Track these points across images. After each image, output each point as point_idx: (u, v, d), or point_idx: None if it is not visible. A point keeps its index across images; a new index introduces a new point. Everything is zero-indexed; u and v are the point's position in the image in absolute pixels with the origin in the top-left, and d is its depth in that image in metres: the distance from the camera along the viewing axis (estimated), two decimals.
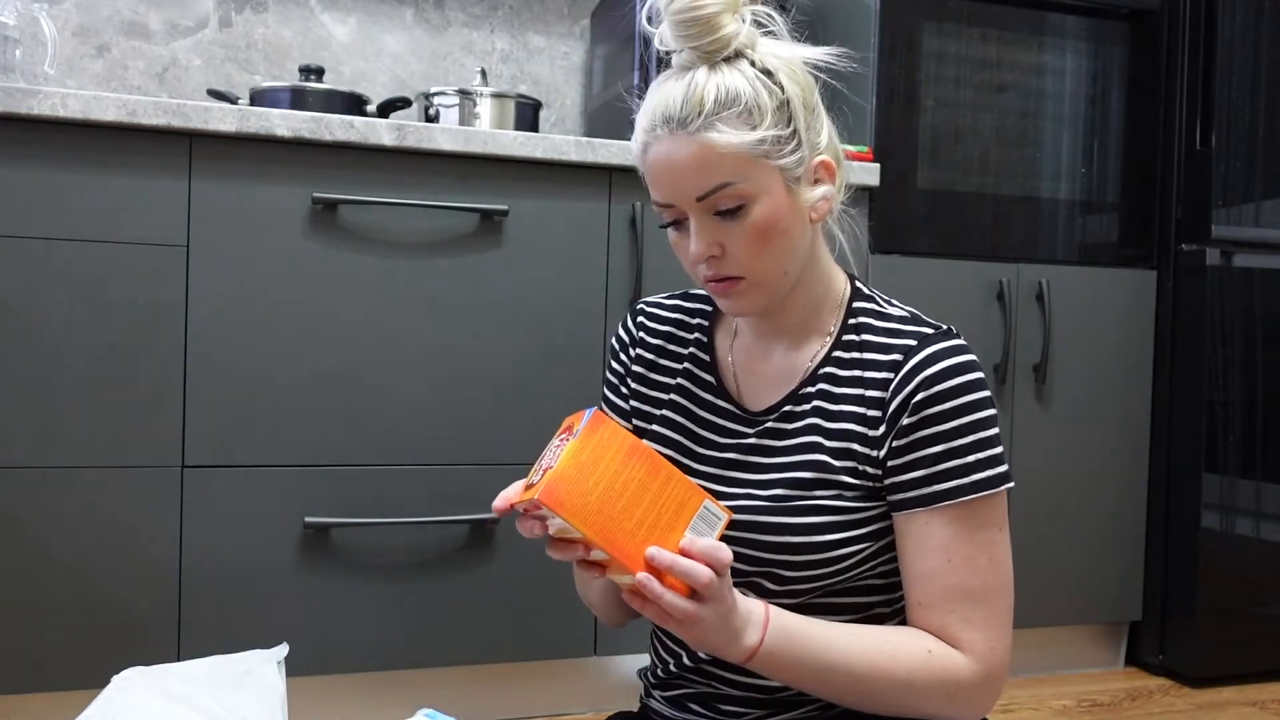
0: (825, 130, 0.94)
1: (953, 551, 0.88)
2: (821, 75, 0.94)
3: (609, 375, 1.10)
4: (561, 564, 0.84)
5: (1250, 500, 2.14)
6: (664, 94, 0.88)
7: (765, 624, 0.84)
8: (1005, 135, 2.09)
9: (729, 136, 0.86)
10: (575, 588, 1.12)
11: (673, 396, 1.02)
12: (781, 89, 0.89)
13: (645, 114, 0.90)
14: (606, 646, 1.80)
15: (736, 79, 0.87)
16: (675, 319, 1.06)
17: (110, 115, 1.52)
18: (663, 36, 0.90)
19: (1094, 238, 2.17)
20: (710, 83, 0.87)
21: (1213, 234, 2.12)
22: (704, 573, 0.77)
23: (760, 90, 0.87)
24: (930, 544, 0.89)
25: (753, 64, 0.89)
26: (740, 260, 0.89)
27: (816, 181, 0.93)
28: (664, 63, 0.93)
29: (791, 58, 0.91)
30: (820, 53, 0.93)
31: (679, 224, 0.91)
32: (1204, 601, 2.10)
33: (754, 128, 0.87)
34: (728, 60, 0.88)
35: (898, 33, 2.00)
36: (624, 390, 1.07)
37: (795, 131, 0.89)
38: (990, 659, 0.89)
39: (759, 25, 0.91)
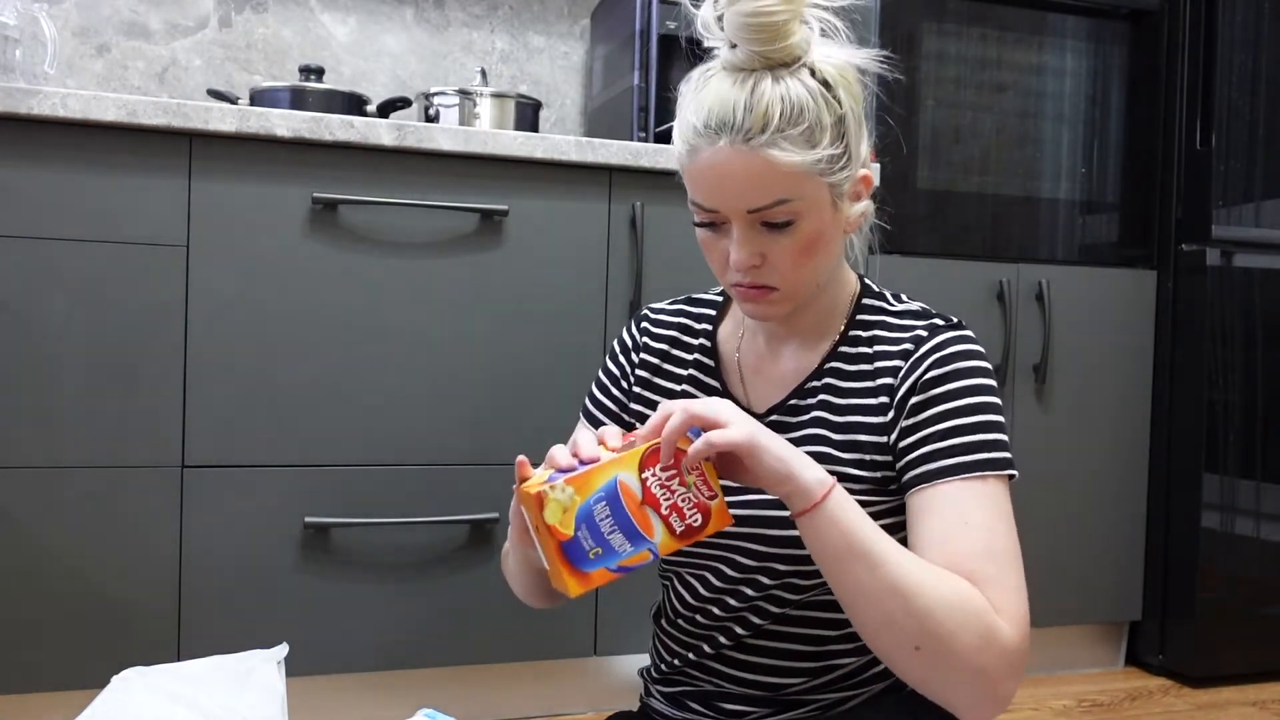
0: (865, 142, 0.92)
1: (970, 515, 0.86)
2: (867, 82, 0.92)
3: (602, 375, 1.09)
4: None
5: (1250, 500, 2.14)
6: (723, 98, 0.85)
7: (833, 487, 0.81)
8: (1005, 135, 2.09)
9: (792, 155, 0.84)
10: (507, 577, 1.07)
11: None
12: (839, 103, 0.87)
13: (697, 113, 0.86)
14: (606, 646, 1.80)
15: (801, 93, 0.84)
16: (679, 324, 1.06)
17: (110, 115, 1.52)
18: (706, 23, 0.87)
19: (1094, 238, 2.17)
20: (775, 94, 0.84)
21: (1213, 234, 2.12)
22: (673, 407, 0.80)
23: (822, 107, 0.85)
24: (945, 509, 0.86)
25: (813, 73, 0.86)
26: (780, 272, 0.89)
27: (857, 196, 0.92)
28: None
29: (845, 64, 0.89)
30: (868, 56, 0.91)
31: (715, 226, 0.90)
32: (1204, 601, 2.10)
33: (814, 146, 0.85)
34: (788, 67, 0.85)
35: (898, 33, 2.00)
36: (615, 391, 1.07)
37: (847, 148, 0.88)
38: (1022, 626, 0.83)
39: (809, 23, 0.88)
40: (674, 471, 0.79)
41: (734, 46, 0.86)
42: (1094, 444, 2.14)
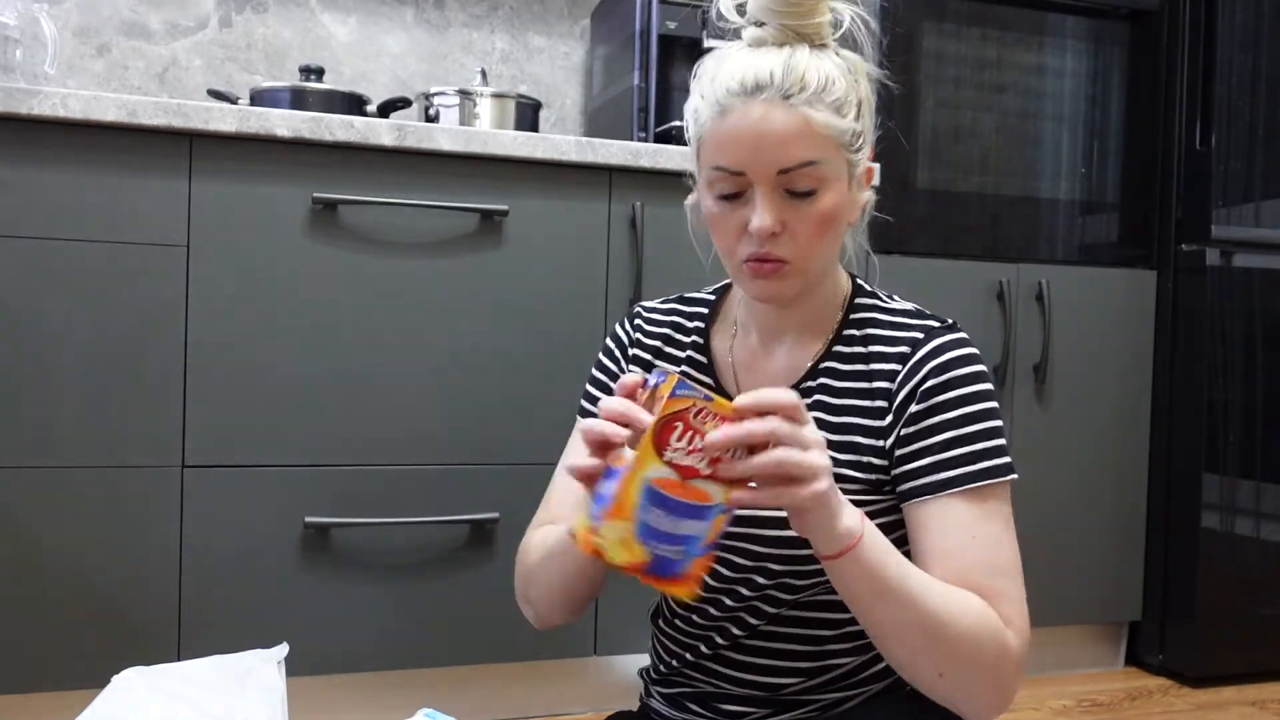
0: (872, 136, 0.95)
1: (976, 529, 0.88)
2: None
3: (598, 373, 1.09)
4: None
5: (1250, 500, 2.14)
6: (758, 63, 0.87)
7: (863, 518, 0.80)
8: (1005, 135, 2.09)
9: (828, 117, 0.86)
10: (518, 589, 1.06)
11: None
12: (861, 87, 0.91)
13: (731, 76, 0.87)
14: (606, 646, 1.80)
15: (831, 68, 0.88)
16: (672, 322, 1.06)
17: (110, 115, 1.52)
18: (727, 7, 0.91)
19: (1094, 238, 2.17)
20: (810, 63, 0.87)
21: (1213, 234, 2.12)
22: (788, 395, 0.74)
23: (849, 85, 0.89)
24: (951, 523, 0.88)
25: (838, 55, 0.90)
26: (796, 243, 0.89)
27: (861, 187, 0.94)
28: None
29: (860, 60, 0.92)
30: (873, 69, 0.95)
31: (734, 197, 0.90)
32: (1204, 601, 2.10)
33: (843, 117, 0.88)
34: (819, 47, 0.89)
35: (898, 33, 2.00)
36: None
37: (864, 132, 0.91)
38: (1027, 634, 0.87)
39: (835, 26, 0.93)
40: (691, 432, 0.73)
41: (761, 25, 0.89)
42: (1094, 444, 2.14)
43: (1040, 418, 2.09)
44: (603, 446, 0.75)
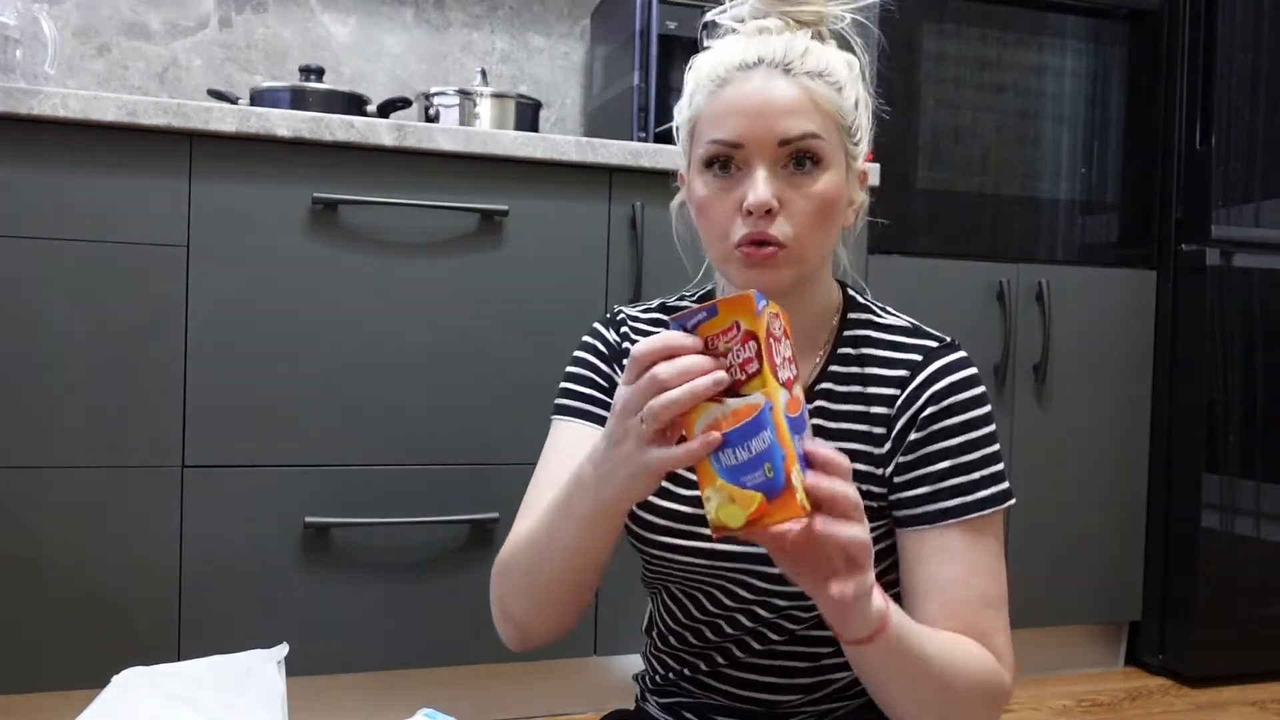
0: (867, 138, 0.93)
1: (971, 560, 0.87)
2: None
3: (589, 372, 0.99)
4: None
5: (1250, 500, 2.14)
6: (758, 41, 0.86)
7: (880, 590, 0.74)
8: (1005, 135, 2.09)
9: (829, 93, 0.85)
10: (494, 601, 0.95)
11: None
12: (858, 84, 0.90)
13: (731, 53, 0.86)
14: (606, 646, 1.80)
15: (830, 55, 0.87)
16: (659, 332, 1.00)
17: (110, 115, 1.52)
18: (717, 15, 0.91)
19: (1094, 238, 2.17)
20: (810, 44, 0.86)
21: (1212, 234, 2.12)
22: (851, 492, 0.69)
23: (847, 75, 0.88)
24: (948, 555, 0.87)
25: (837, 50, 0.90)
26: (793, 222, 0.84)
27: (856, 186, 0.92)
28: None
29: (857, 61, 0.91)
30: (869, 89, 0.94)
31: (729, 177, 0.86)
32: (1204, 601, 2.10)
33: (844, 100, 0.87)
34: (819, 38, 0.89)
35: (898, 33, 2.00)
36: (605, 383, 0.98)
37: (862, 127, 0.89)
38: (1013, 668, 0.88)
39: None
40: (776, 341, 0.68)
41: (762, 18, 0.88)
42: (1094, 444, 2.14)
43: (1040, 418, 2.09)
44: (671, 423, 0.69)
